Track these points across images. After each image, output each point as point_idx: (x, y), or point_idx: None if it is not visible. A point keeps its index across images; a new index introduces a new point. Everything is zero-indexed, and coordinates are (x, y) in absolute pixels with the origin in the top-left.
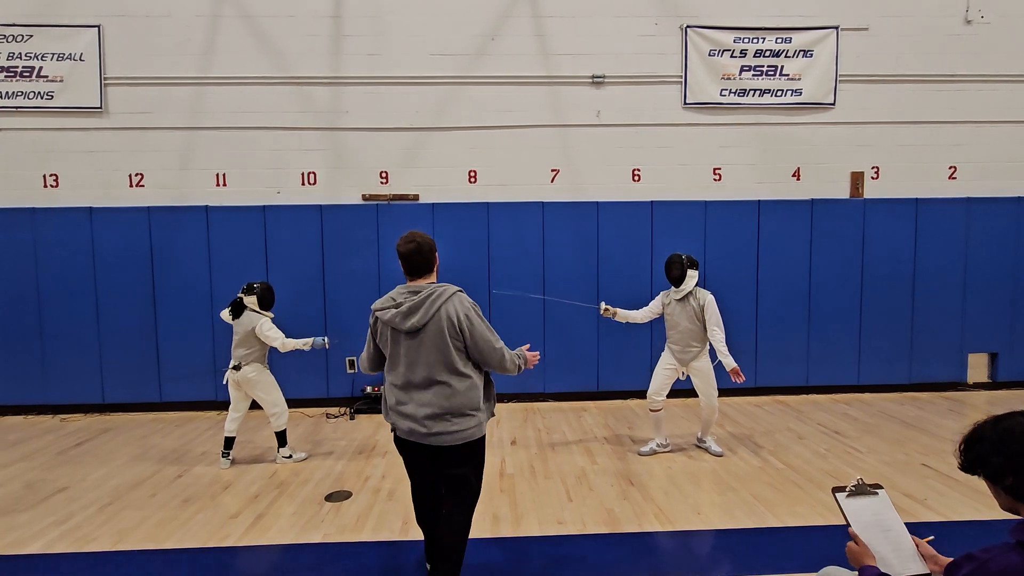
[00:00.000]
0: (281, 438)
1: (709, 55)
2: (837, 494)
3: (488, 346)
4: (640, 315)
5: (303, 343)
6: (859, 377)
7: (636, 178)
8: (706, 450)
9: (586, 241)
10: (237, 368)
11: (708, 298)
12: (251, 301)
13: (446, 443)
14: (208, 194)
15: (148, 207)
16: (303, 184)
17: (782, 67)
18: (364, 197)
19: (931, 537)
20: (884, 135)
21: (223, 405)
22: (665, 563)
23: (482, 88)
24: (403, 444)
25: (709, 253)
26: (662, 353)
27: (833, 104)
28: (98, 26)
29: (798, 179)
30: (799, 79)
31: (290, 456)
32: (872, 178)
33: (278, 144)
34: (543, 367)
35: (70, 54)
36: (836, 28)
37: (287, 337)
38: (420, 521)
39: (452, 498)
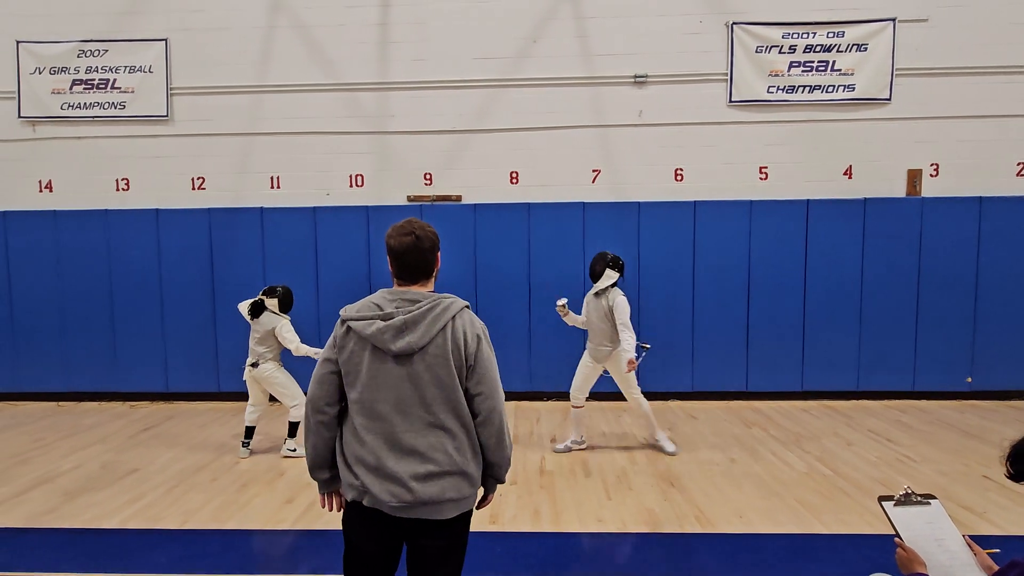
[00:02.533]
0: (292, 429)
1: (756, 52)
2: (884, 503)
3: (494, 384)
4: (581, 319)
5: (314, 352)
6: (914, 383)
7: (679, 178)
8: (660, 450)
9: (627, 242)
10: (255, 365)
11: (618, 299)
12: (272, 303)
13: (436, 516)
14: (263, 196)
15: (208, 208)
16: (351, 186)
17: (834, 62)
18: (409, 198)
19: (996, 550)
20: (944, 131)
21: (272, 397)
22: (706, 565)
23: (524, 90)
24: (363, 517)
25: (754, 253)
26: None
27: (889, 99)
28: (165, 40)
29: (850, 177)
30: (852, 74)
31: (294, 450)
32: (931, 176)
33: (328, 148)
34: None
35: (140, 66)
36: (893, 20)
37: (301, 343)
38: None
39: None
